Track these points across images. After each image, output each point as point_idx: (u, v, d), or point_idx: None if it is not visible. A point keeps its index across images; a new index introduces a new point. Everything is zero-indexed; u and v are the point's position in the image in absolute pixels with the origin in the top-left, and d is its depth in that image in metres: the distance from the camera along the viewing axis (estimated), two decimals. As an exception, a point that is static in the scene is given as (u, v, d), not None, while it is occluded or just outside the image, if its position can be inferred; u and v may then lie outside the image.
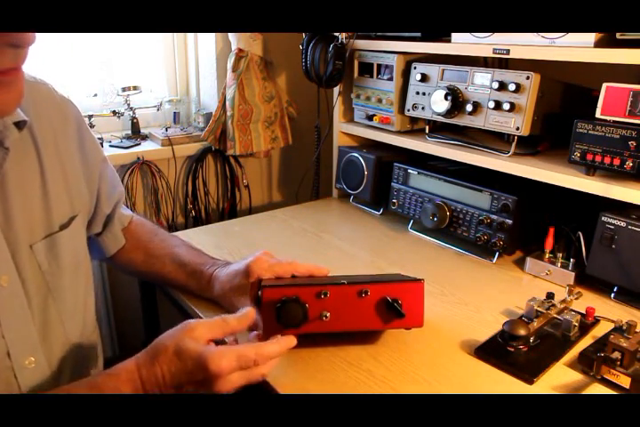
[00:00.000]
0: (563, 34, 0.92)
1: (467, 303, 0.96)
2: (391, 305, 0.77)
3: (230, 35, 1.58)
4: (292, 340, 0.71)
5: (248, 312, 0.71)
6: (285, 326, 0.75)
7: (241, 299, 0.83)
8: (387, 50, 1.26)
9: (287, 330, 0.75)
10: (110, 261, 0.95)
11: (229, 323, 0.69)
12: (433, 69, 1.17)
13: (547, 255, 1.04)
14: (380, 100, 1.31)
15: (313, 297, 0.76)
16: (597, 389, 0.74)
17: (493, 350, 0.80)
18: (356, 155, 1.36)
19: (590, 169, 0.94)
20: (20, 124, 0.67)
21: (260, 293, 0.77)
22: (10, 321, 0.66)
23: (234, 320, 0.70)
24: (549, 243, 1.03)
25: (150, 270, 0.94)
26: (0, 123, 0.65)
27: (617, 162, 0.89)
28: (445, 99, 1.11)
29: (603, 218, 0.93)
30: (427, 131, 1.23)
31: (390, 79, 1.27)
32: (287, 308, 0.74)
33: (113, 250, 0.92)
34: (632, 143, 0.87)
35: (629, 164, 0.88)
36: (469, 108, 1.09)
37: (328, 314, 0.76)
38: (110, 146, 1.57)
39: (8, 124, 0.65)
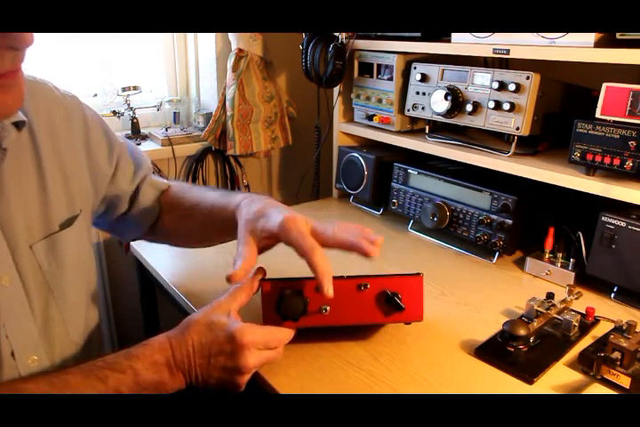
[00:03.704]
0: (563, 34, 0.92)
1: (467, 303, 0.96)
2: (391, 298, 0.77)
3: (230, 35, 1.58)
4: (292, 333, 0.76)
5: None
6: (285, 319, 0.76)
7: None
8: (387, 50, 1.26)
9: (286, 322, 0.76)
10: (149, 234, 0.95)
11: (243, 284, 0.75)
12: (433, 69, 1.17)
13: (547, 255, 1.04)
14: (379, 100, 1.31)
15: (312, 290, 0.76)
16: (597, 389, 0.73)
17: (493, 350, 0.80)
18: (356, 155, 1.36)
19: (590, 169, 0.94)
20: (18, 125, 0.67)
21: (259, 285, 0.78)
22: (12, 320, 0.67)
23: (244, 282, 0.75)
24: (549, 243, 1.03)
25: (190, 225, 0.90)
26: None
27: (617, 162, 0.89)
28: (445, 99, 1.11)
29: (603, 218, 0.93)
30: (427, 131, 1.23)
31: (390, 79, 1.27)
32: (287, 300, 0.75)
33: (147, 223, 0.92)
34: (632, 143, 0.86)
35: (629, 164, 0.88)
36: (469, 108, 1.08)
37: (328, 308, 0.77)
38: (110, 146, 1.56)
39: (6, 125, 0.65)
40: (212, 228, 0.89)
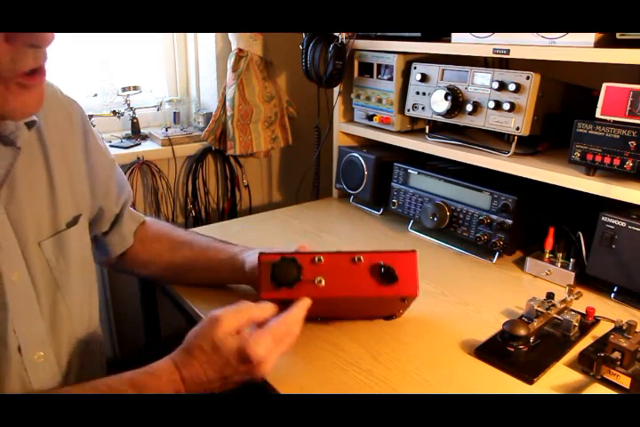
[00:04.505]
0: (563, 34, 0.92)
1: (467, 303, 0.96)
2: (385, 269, 0.77)
3: (230, 35, 1.58)
4: (305, 300, 0.75)
5: (269, 305, 0.74)
6: (280, 285, 0.77)
7: None
8: (387, 50, 1.26)
9: (281, 289, 0.76)
10: (116, 263, 0.95)
11: (251, 308, 0.72)
12: (433, 69, 1.17)
13: (547, 255, 1.04)
14: (379, 100, 1.31)
15: (308, 262, 0.77)
16: (597, 389, 0.74)
17: (493, 350, 0.81)
18: (356, 155, 1.36)
19: (590, 169, 0.94)
20: (29, 124, 0.68)
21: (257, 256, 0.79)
22: (20, 316, 0.67)
23: (256, 308, 0.72)
24: (549, 243, 1.03)
25: (177, 256, 0.94)
26: (12, 123, 0.65)
27: (617, 162, 0.89)
28: (445, 99, 1.11)
29: (603, 218, 0.93)
30: (427, 131, 1.23)
31: (390, 79, 1.27)
32: (281, 266, 0.76)
33: (119, 250, 0.92)
34: (632, 143, 0.87)
35: (629, 164, 0.88)
36: (469, 108, 1.08)
37: (322, 280, 0.77)
38: (110, 146, 1.56)
39: (20, 125, 0.66)
40: (199, 265, 0.93)
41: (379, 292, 0.79)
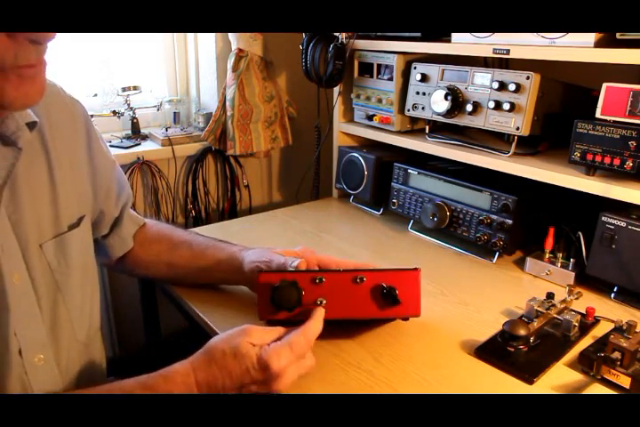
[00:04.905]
0: (563, 34, 0.92)
1: (467, 303, 0.96)
2: (387, 291, 0.77)
3: (230, 35, 1.58)
4: (320, 310, 0.75)
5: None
6: (279, 308, 0.76)
7: None
8: (387, 50, 1.26)
9: (281, 312, 0.76)
10: (116, 264, 0.95)
11: (283, 330, 0.71)
12: (433, 69, 1.17)
13: (547, 255, 1.04)
14: (380, 100, 1.31)
15: (308, 282, 0.77)
16: (597, 389, 0.74)
17: (493, 350, 0.81)
18: (356, 155, 1.36)
19: (590, 169, 0.94)
20: (31, 125, 0.68)
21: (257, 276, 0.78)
22: (21, 318, 0.67)
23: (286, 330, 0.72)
24: (549, 243, 1.03)
25: (176, 256, 0.94)
26: (13, 124, 0.65)
27: (617, 162, 0.89)
28: (445, 99, 1.11)
29: (603, 218, 0.93)
30: (427, 131, 1.23)
31: (390, 79, 1.27)
32: (281, 290, 0.75)
33: (119, 253, 0.92)
34: (632, 143, 0.87)
35: (629, 164, 0.88)
36: (469, 108, 1.08)
37: (324, 301, 0.77)
38: (110, 146, 1.57)
39: (21, 125, 0.66)
40: (198, 265, 0.93)
41: (381, 313, 0.79)
